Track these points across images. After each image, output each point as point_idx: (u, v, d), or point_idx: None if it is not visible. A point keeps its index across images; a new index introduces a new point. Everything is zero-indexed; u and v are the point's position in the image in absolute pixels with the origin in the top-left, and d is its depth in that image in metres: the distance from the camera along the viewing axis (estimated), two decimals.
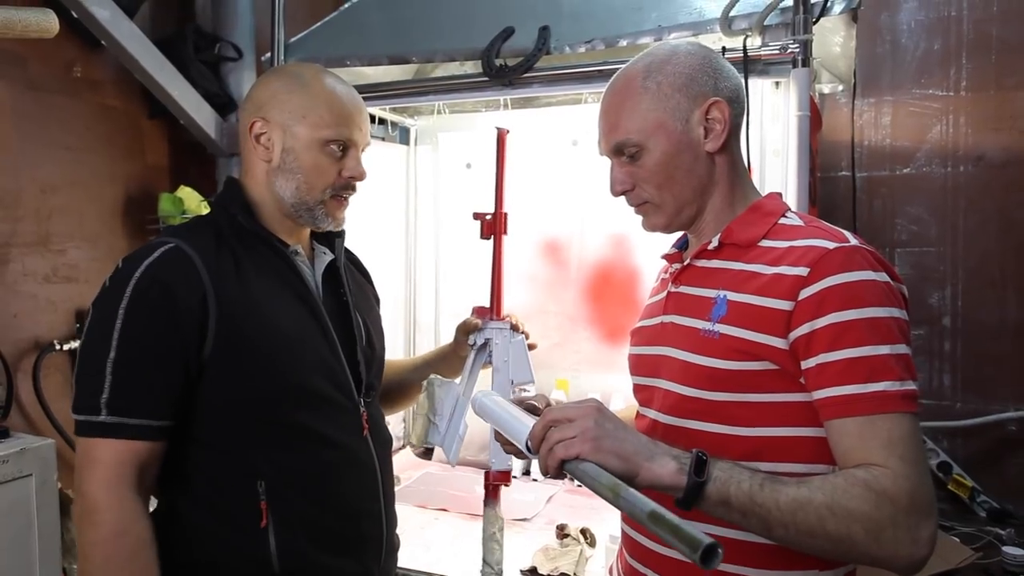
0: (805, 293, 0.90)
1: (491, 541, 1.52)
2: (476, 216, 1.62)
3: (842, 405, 0.87)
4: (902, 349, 0.87)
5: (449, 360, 1.55)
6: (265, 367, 1.10)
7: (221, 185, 2.49)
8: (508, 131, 1.66)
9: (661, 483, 0.85)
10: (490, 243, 1.63)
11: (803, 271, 0.91)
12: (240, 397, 1.10)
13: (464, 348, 1.53)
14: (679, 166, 1.02)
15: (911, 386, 0.86)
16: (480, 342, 1.53)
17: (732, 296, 0.97)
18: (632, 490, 0.81)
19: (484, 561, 1.52)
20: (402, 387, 1.53)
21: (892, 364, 0.86)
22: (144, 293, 1.05)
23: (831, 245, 0.92)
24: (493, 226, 1.61)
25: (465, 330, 1.53)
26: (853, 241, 0.93)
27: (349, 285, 1.29)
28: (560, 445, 0.86)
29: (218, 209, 1.20)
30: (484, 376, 1.56)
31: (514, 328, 1.55)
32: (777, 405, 0.93)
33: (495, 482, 1.54)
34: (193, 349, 1.06)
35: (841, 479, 0.84)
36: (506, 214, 1.63)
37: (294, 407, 1.13)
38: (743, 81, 1.09)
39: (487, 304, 1.58)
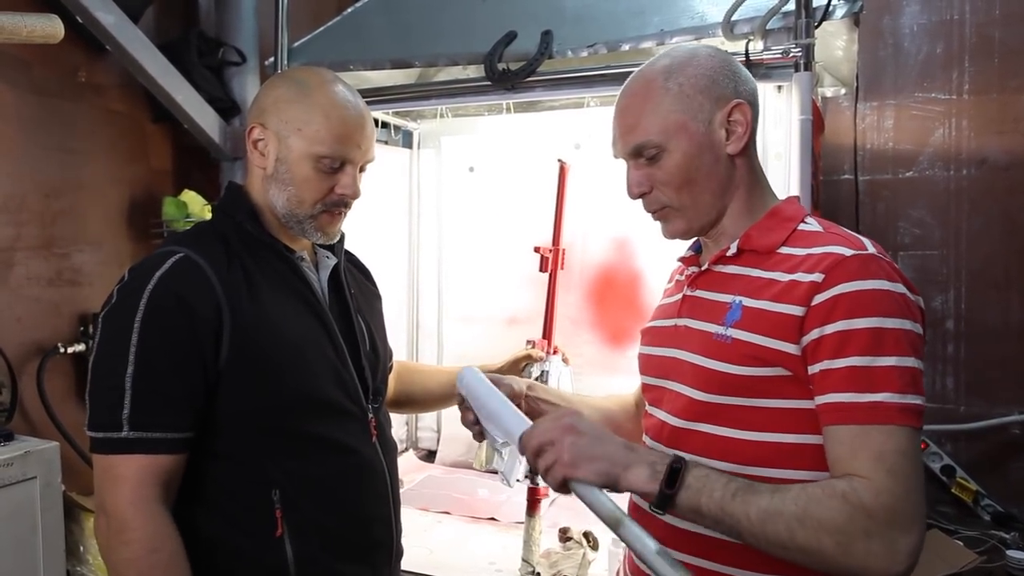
0: (818, 299, 0.89)
1: (532, 544, 1.69)
2: (536, 249, 1.71)
3: (839, 412, 0.86)
4: (909, 362, 0.86)
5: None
6: (277, 377, 1.09)
7: (224, 190, 2.52)
8: (570, 165, 1.69)
9: (637, 490, 0.90)
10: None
11: (818, 277, 0.90)
12: (252, 407, 1.09)
13: (516, 374, 1.60)
14: (700, 168, 1.01)
15: (913, 400, 0.85)
16: (537, 373, 1.65)
17: (748, 302, 0.97)
18: (634, 526, 0.86)
19: (524, 560, 1.70)
20: (438, 398, 1.53)
21: (895, 376, 0.85)
22: (159, 305, 1.03)
23: (848, 252, 0.91)
24: (551, 261, 1.73)
25: (526, 361, 1.63)
26: (871, 249, 0.92)
27: (351, 289, 1.28)
28: (549, 476, 0.92)
29: (222, 216, 1.18)
30: None
31: (564, 361, 1.72)
32: (787, 411, 0.93)
33: (537, 497, 1.71)
34: (211, 359, 1.05)
35: (819, 489, 0.84)
36: (564, 249, 1.70)
37: (306, 416, 1.12)
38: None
39: (528, 335, 1.75)
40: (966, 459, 2.48)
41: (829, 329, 0.88)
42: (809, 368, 0.90)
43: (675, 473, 0.86)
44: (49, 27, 1.75)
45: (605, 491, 0.90)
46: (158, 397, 1.02)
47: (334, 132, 1.13)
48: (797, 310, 0.91)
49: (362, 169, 1.20)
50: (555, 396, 1.33)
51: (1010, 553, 2.04)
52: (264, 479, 1.09)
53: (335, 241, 1.26)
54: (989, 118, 2.47)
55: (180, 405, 1.04)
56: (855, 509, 0.81)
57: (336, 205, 1.18)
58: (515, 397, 1.27)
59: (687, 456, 0.90)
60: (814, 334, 0.89)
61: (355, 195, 1.18)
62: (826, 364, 0.88)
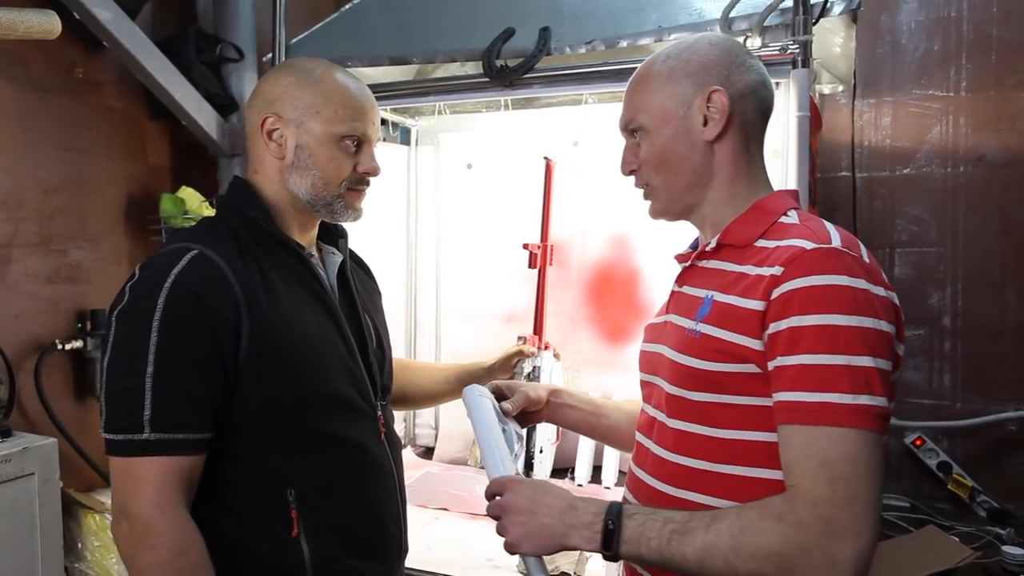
0: (775, 293, 0.88)
1: None
2: (525, 246, 1.75)
3: (789, 411, 0.85)
4: (864, 361, 0.83)
5: (483, 378, 1.52)
6: (294, 374, 1.08)
7: (225, 185, 2.52)
8: (556, 162, 1.69)
9: (582, 550, 0.93)
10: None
11: (778, 271, 0.89)
12: (269, 406, 1.08)
13: (507, 370, 1.57)
14: (675, 151, 1.03)
15: (867, 401, 0.82)
16: (528, 369, 1.62)
17: (718, 297, 0.97)
18: None
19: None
20: (432, 395, 1.53)
21: (846, 376, 0.83)
22: (178, 304, 1.01)
23: (809, 246, 0.89)
24: (539, 258, 1.71)
25: (518, 357, 1.59)
26: (835, 243, 0.90)
27: (357, 286, 1.28)
28: (504, 542, 0.95)
29: (230, 212, 1.16)
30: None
31: (555, 356, 1.71)
32: (758, 409, 0.91)
33: None
34: (230, 357, 1.04)
35: (755, 513, 0.84)
36: (552, 246, 1.69)
37: (320, 413, 1.12)
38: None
39: (525, 332, 1.74)
40: (962, 455, 2.49)
41: (783, 325, 0.86)
42: (768, 364, 0.89)
43: (609, 535, 0.88)
44: (47, 23, 1.75)
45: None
46: (180, 397, 1.01)
47: (351, 111, 1.16)
48: (758, 305, 0.90)
49: (374, 146, 1.23)
50: (580, 402, 1.32)
51: (1005, 549, 2.05)
52: (279, 479, 1.08)
53: (343, 231, 1.28)
54: (986, 115, 2.48)
55: (201, 405, 1.02)
56: (790, 528, 0.81)
57: (359, 183, 1.21)
58: (533, 404, 1.28)
59: (626, 506, 0.91)
60: (771, 329, 0.88)
61: (375, 172, 1.21)
62: (780, 361, 0.87)
